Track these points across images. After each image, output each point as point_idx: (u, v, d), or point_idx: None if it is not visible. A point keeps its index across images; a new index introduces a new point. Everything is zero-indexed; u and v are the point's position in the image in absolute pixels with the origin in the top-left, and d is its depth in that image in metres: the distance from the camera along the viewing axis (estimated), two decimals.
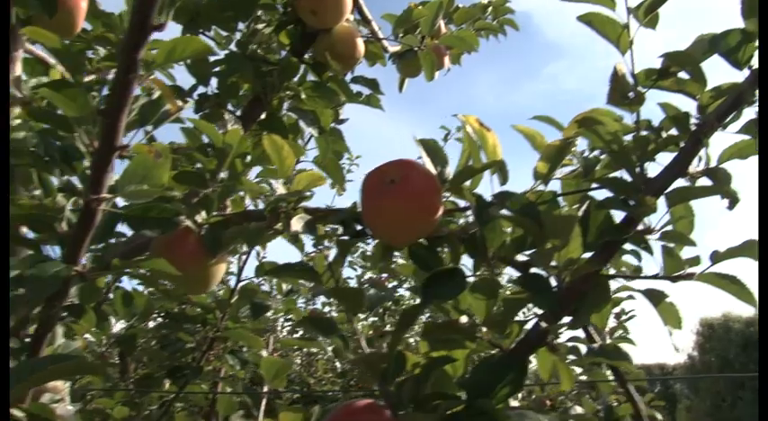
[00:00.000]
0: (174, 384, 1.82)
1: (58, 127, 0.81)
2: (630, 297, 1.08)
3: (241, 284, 1.71)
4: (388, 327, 3.96)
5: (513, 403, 0.87)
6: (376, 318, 3.91)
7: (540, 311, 0.89)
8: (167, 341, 1.88)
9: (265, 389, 1.64)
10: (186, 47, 0.77)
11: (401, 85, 1.93)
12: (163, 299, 2.00)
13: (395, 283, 3.75)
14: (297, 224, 0.91)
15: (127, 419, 1.88)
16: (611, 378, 1.28)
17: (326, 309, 3.81)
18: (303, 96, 1.34)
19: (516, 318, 0.90)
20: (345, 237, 0.95)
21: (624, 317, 1.97)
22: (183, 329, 1.81)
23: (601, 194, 0.94)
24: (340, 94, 1.42)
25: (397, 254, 1.07)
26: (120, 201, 0.92)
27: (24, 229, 1.18)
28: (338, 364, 4.37)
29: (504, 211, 0.88)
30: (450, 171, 0.98)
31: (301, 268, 0.94)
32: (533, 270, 0.90)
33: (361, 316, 3.96)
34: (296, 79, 1.39)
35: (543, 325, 0.87)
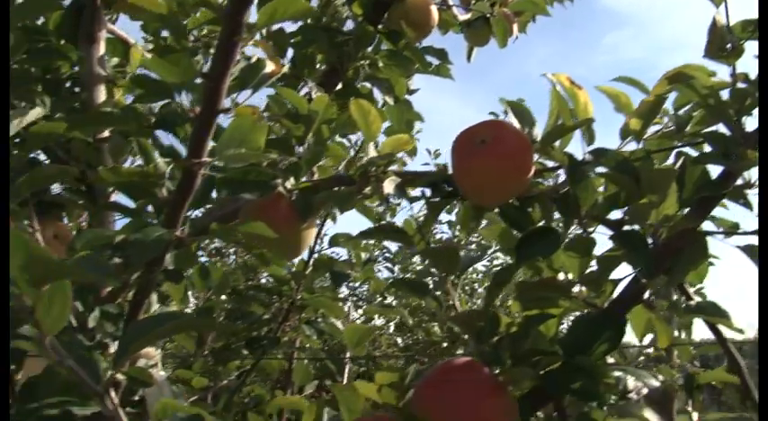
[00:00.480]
0: (252, 355, 1.86)
1: (159, 93, 0.83)
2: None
3: (315, 256, 1.73)
4: (451, 301, 3.95)
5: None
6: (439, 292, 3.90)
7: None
8: (241, 313, 1.92)
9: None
10: (288, 8, 0.78)
11: (469, 54, 1.92)
12: (236, 273, 2.04)
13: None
14: (389, 186, 0.92)
15: (205, 389, 1.93)
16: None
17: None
18: (380, 64, 1.35)
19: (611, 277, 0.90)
20: (435, 199, 0.95)
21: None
22: (257, 301, 1.84)
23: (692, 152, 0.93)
24: (415, 62, 1.42)
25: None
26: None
27: (114, 197, 1.21)
28: (399, 340, 4.40)
29: (599, 169, 0.87)
30: (538, 132, 0.97)
31: (393, 229, 0.95)
32: (627, 228, 0.89)
33: None
34: (371, 49, 1.40)
35: (639, 282, 0.86)
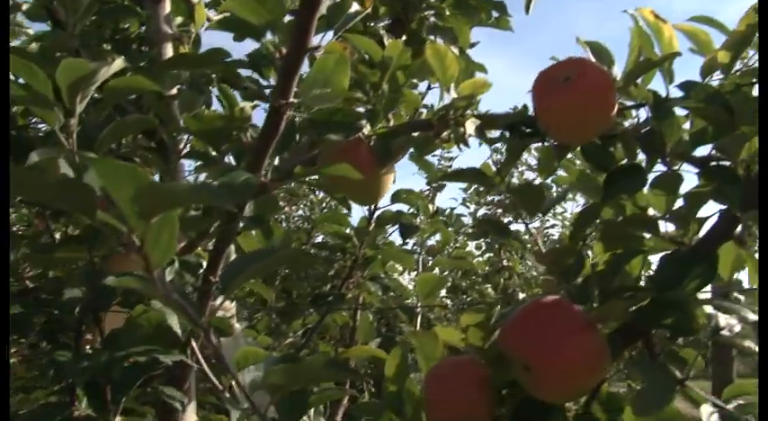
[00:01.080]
0: (317, 312, 1.88)
1: (246, 34, 0.83)
2: None
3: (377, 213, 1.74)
4: (504, 263, 3.97)
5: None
6: (491, 254, 3.92)
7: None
8: (305, 271, 1.94)
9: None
10: None
11: (527, 6, 1.89)
12: (298, 231, 2.06)
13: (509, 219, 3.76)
14: (471, 127, 0.91)
15: (269, 347, 1.96)
16: None
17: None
18: (447, 13, 1.34)
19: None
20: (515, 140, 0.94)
21: None
22: (320, 259, 1.86)
23: None
24: (480, 11, 1.40)
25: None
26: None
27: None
28: (449, 302, 4.38)
29: (686, 104, 0.86)
30: (617, 72, 0.96)
31: (473, 172, 0.95)
32: (716, 163, 0.88)
33: (477, 252, 3.98)
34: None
35: (729, 218, 0.85)
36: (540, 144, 0.95)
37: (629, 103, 0.96)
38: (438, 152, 3.39)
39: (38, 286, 1.42)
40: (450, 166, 3.47)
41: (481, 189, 3.72)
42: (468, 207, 3.93)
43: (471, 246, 3.73)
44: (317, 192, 3.11)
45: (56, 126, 0.86)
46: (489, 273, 3.96)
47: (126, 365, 1.07)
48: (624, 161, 0.92)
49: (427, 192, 2.16)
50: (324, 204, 3.08)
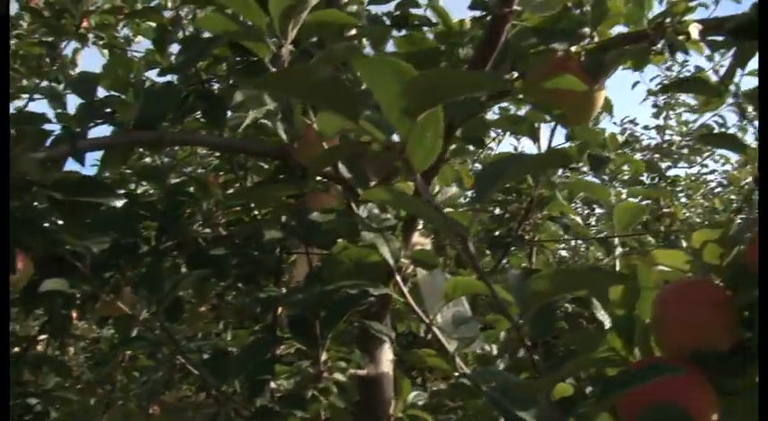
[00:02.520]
0: (494, 256, 1.85)
1: None
2: None
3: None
4: (664, 210, 3.79)
5: None
6: (650, 200, 3.75)
7: None
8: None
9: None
10: None
11: None
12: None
13: None
14: (694, 31, 0.85)
15: None
16: None
17: None
18: None
19: None
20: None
21: None
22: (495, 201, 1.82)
23: None
24: None
25: None
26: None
27: None
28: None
29: None
30: None
31: (696, 81, 0.88)
32: None
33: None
34: None
35: None
36: None
37: None
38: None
39: (230, 233, 1.47)
40: None
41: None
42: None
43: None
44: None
45: (266, 58, 0.86)
46: (649, 221, 3.79)
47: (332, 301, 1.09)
48: None
49: None
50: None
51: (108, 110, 1.16)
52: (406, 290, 1.07)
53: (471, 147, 1.10)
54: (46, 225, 1.09)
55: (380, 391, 1.26)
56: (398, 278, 1.07)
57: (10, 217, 1.02)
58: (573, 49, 0.94)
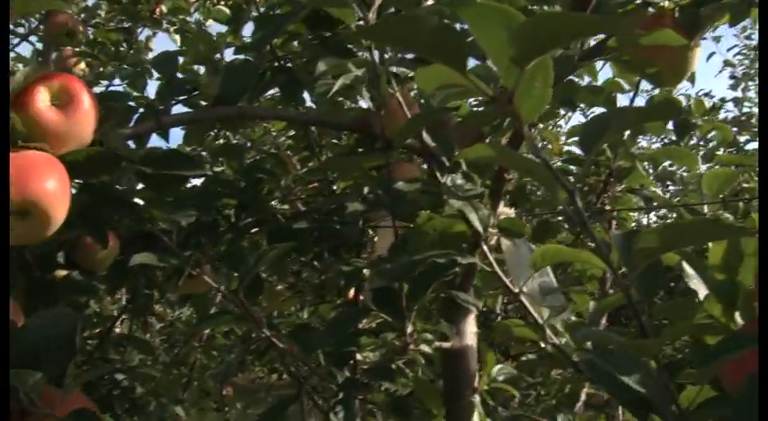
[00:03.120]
0: (571, 231, 1.82)
1: None
2: None
3: None
4: (743, 185, 3.67)
5: None
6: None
7: None
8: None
9: None
10: None
11: None
12: None
13: None
14: None
15: None
16: None
17: None
18: None
19: None
20: None
21: None
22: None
23: None
24: None
25: None
26: None
27: None
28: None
29: None
30: None
31: None
32: None
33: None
34: None
35: None
36: None
37: None
38: None
39: (309, 209, 1.48)
40: None
41: None
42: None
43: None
44: None
45: (352, 24, 0.85)
46: (726, 197, 3.69)
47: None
48: None
49: None
50: None
51: (188, 87, 1.17)
52: (492, 259, 1.05)
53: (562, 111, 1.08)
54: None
55: (465, 364, 1.25)
56: (485, 248, 1.05)
57: (100, 193, 1.04)
58: (666, 4, 0.91)
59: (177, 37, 2.37)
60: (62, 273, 1.32)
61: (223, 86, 1.13)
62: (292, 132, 1.93)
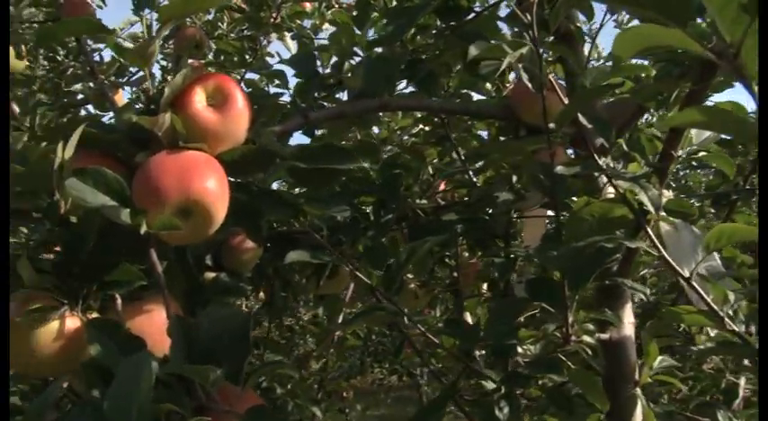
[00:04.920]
0: (719, 213, 1.74)
1: None
2: None
3: None
4: None
5: None
6: None
7: None
8: None
9: None
10: None
11: None
12: None
13: None
14: None
15: None
16: None
17: None
18: None
19: None
20: None
21: None
22: None
23: None
24: None
25: None
26: None
27: None
28: None
29: None
30: None
31: None
32: None
33: None
34: None
35: None
36: None
37: None
38: None
39: (447, 203, 1.45)
40: None
41: None
42: None
43: None
44: None
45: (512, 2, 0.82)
46: None
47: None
48: None
49: None
50: None
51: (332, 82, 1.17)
52: (657, 243, 1.00)
53: None
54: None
55: (624, 356, 1.20)
56: (650, 231, 1.00)
57: (253, 190, 1.05)
58: None
59: (291, 43, 2.40)
60: (211, 274, 1.34)
61: (366, 80, 1.12)
62: (414, 130, 1.91)
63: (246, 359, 0.81)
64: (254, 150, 0.97)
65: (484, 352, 1.26)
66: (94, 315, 0.95)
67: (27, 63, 1.98)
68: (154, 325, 0.99)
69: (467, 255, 1.91)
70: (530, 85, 0.94)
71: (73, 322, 0.92)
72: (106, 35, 0.91)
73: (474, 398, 1.23)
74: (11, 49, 1.90)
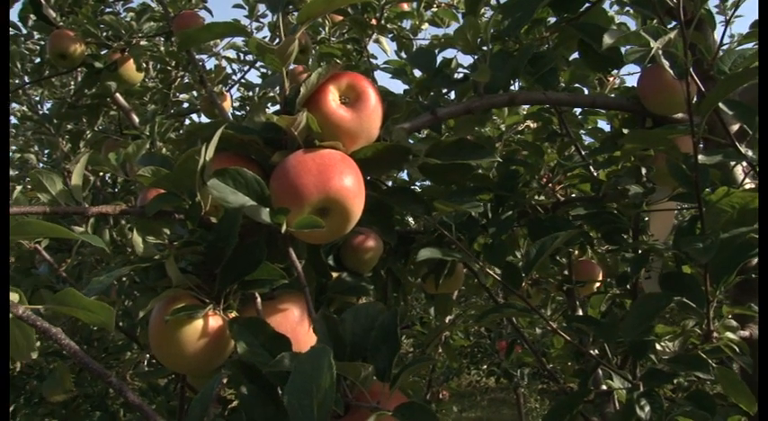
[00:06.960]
0: None
1: None
2: None
3: None
4: None
5: None
6: None
7: None
8: None
9: None
10: None
11: None
12: None
13: None
14: None
15: None
16: None
17: None
18: None
19: None
20: None
21: None
22: None
23: None
24: None
25: None
26: None
27: None
28: None
29: None
30: None
31: None
32: None
33: None
34: None
35: None
36: None
37: None
38: None
39: (567, 199, 1.42)
40: None
41: None
42: None
43: None
44: None
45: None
46: None
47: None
48: None
49: None
50: None
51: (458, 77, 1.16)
52: None
53: None
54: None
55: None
56: None
57: (385, 188, 1.05)
58: None
59: (387, 45, 2.40)
60: (333, 274, 1.35)
61: (493, 74, 1.11)
62: (519, 127, 1.88)
63: (396, 355, 0.81)
64: (387, 148, 0.97)
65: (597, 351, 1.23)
66: (234, 314, 0.97)
67: (143, 74, 2.04)
68: (288, 323, 1.01)
69: (576, 253, 1.87)
70: (671, 73, 0.91)
71: (215, 321, 0.94)
72: (246, 37, 0.93)
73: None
74: (130, 61, 1.96)
